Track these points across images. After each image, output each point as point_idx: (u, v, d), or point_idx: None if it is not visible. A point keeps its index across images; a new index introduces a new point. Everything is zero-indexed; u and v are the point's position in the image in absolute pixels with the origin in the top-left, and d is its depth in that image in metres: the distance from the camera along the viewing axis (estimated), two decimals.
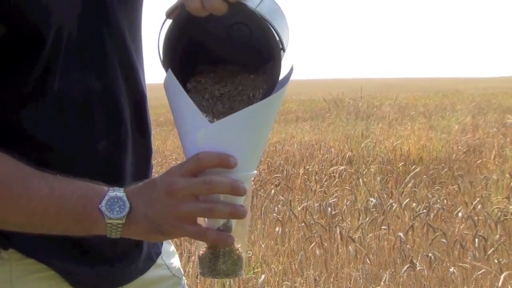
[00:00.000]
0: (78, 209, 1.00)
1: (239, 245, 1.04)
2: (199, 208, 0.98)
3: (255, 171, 1.04)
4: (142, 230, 1.00)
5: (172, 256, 1.36)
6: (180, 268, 1.38)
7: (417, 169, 6.67)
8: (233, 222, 1.03)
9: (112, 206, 0.99)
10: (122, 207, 0.99)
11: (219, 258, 1.03)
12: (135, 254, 1.24)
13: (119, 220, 0.99)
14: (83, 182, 1.02)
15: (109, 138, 1.15)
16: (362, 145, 8.52)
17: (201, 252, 1.05)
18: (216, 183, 0.97)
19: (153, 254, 1.29)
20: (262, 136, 1.04)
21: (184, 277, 1.38)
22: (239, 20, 1.04)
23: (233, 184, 0.97)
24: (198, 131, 0.99)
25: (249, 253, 4.37)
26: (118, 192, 1.00)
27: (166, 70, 1.04)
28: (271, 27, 1.00)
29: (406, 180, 6.13)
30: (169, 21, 1.04)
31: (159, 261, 1.31)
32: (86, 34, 1.11)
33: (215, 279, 3.66)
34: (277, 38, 1.01)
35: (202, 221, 1.02)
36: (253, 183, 4.49)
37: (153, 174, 1.29)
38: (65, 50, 1.08)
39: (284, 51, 1.03)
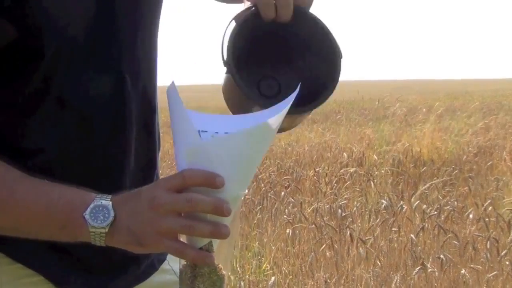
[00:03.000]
0: (63, 216, 0.99)
1: (221, 266, 1.02)
2: (179, 224, 0.95)
3: (245, 192, 1.01)
4: (123, 241, 0.99)
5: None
6: None
7: (428, 171, 6.65)
8: (216, 242, 1.00)
9: (96, 214, 0.97)
10: (106, 216, 0.97)
11: (197, 277, 1.00)
12: (130, 267, 1.22)
13: (102, 229, 0.97)
14: (71, 188, 1.01)
15: (111, 145, 1.15)
16: (373, 147, 8.50)
17: (181, 267, 1.03)
18: (197, 201, 0.94)
19: (156, 262, 1.28)
20: (255, 160, 1.01)
21: None
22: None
23: (216, 203, 0.94)
24: (187, 148, 0.98)
25: (260, 255, 4.37)
26: (104, 201, 0.98)
27: (232, 71, 1.09)
28: (331, 40, 1.13)
29: (417, 181, 6.10)
30: (232, 24, 1.11)
31: (165, 266, 1.30)
32: (92, 40, 1.10)
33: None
34: (338, 49, 1.13)
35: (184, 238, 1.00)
36: (263, 185, 4.46)
37: (161, 176, 1.28)
38: (70, 56, 1.07)
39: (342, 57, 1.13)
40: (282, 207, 5.28)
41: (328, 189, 5.97)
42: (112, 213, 0.97)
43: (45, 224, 1.00)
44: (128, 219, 0.97)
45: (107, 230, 0.97)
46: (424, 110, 13.54)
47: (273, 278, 3.57)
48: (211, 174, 0.95)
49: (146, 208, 0.96)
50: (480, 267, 3.83)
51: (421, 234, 4.42)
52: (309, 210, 5.18)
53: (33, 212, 1.00)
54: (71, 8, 1.06)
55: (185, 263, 1.02)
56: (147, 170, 1.22)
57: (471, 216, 4.83)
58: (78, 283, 1.15)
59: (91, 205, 0.98)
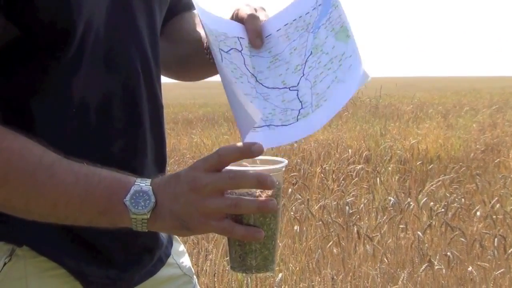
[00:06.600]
0: (102, 201, 0.98)
1: (270, 239, 1.00)
2: (225, 203, 0.95)
3: (285, 162, 1.02)
4: (168, 226, 0.98)
5: (182, 255, 1.36)
6: (191, 267, 1.37)
7: (435, 168, 6.63)
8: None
9: (137, 200, 0.96)
10: (147, 201, 0.96)
11: (248, 254, 1.00)
12: (146, 260, 1.23)
13: (143, 215, 0.96)
14: (110, 173, 1.00)
15: (128, 140, 1.15)
16: (380, 144, 8.49)
17: (230, 246, 1.02)
18: (241, 177, 0.94)
19: (163, 256, 1.29)
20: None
21: (195, 276, 1.37)
22: None
23: (259, 177, 0.94)
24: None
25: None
26: (144, 186, 0.97)
27: None
28: None
29: (424, 178, 6.09)
30: None
31: (170, 260, 1.31)
32: (112, 38, 1.12)
33: (232, 278, 3.66)
34: None
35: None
36: None
37: (168, 172, 1.28)
38: (90, 52, 1.08)
39: None
40: (289, 204, 5.28)
41: (335, 186, 5.97)
42: (152, 199, 0.96)
43: (84, 209, 0.99)
44: (170, 203, 0.96)
45: (148, 216, 0.96)
46: (432, 107, 13.51)
47: (280, 274, 3.57)
48: (246, 144, 0.95)
49: (187, 190, 0.95)
50: (487, 265, 3.82)
51: (428, 231, 4.42)
52: (316, 207, 5.18)
53: (72, 197, 0.98)
54: (93, 5, 1.07)
55: (233, 243, 1.01)
56: (159, 165, 1.23)
57: (478, 213, 4.83)
58: (97, 275, 1.16)
59: (131, 191, 0.97)
